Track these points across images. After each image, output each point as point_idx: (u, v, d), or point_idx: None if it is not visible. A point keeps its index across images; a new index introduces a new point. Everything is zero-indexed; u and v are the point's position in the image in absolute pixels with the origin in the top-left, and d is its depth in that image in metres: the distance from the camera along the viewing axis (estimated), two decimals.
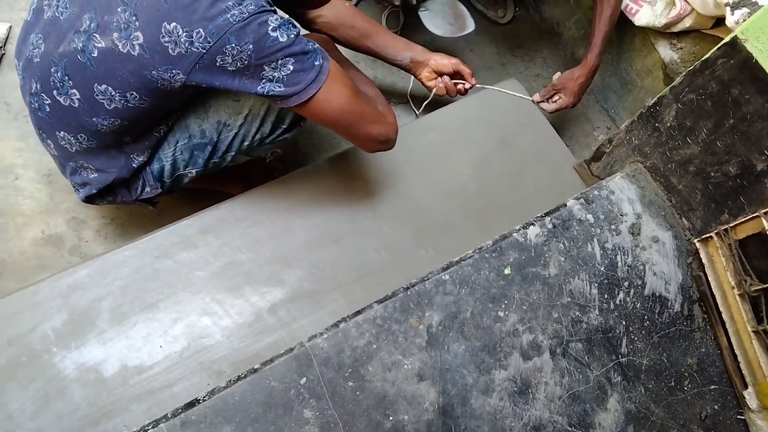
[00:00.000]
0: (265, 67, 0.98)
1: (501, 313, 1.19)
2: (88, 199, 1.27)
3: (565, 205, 1.33)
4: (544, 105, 1.73)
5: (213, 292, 1.27)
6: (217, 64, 0.97)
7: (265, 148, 1.32)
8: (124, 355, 1.18)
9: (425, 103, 1.75)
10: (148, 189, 1.27)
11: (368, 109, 1.15)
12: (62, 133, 1.12)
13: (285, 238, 1.35)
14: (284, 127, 1.25)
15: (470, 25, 1.61)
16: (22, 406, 1.11)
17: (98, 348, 1.18)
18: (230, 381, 1.04)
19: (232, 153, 1.26)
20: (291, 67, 1.00)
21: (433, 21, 1.57)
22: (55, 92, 1.05)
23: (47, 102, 1.08)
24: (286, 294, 1.30)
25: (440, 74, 1.60)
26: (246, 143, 1.25)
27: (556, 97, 1.73)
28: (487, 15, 2.17)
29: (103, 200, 1.29)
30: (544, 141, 1.68)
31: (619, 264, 1.30)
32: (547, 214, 1.31)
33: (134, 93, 1.01)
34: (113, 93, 1.01)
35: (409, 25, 2.02)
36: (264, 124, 1.23)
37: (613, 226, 1.33)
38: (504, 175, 1.58)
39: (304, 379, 1.05)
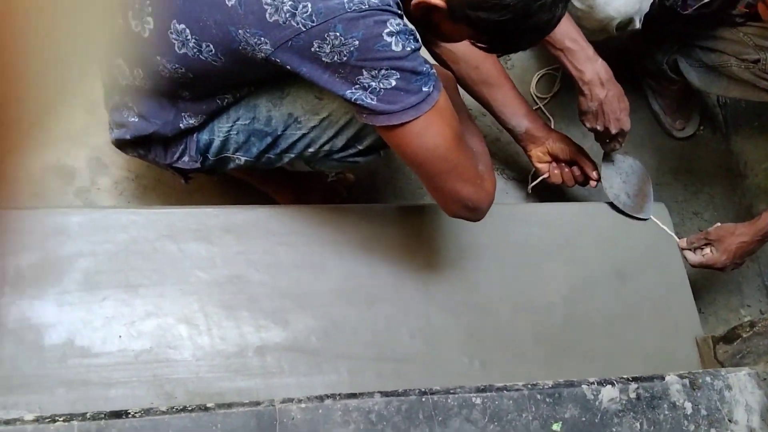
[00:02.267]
0: (364, 72, 1.00)
1: None
2: (119, 144, 1.33)
3: (663, 378, 1.27)
4: (688, 254, 1.68)
5: (205, 301, 1.27)
6: (312, 49, 0.99)
7: (330, 165, 1.34)
8: (76, 329, 1.20)
9: (534, 183, 1.76)
10: (186, 158, 1.31)
11: (466, 163, 1.15)
12: (119, 60, 1.19)
13: (312, 274, 1.35)
14: (360, 148, 1.27)
15: (647, 213, 1.69)
16: None
17: (53, 307, 1.20)
18: (172, 409, 1.03)
19: (291, 155, 1.29)
20: (393, 82, 1.01)
21: (612, 180, 1.65)
22: (130, 13, 1.13)
23: (117, 21, 1.15)
24: (285, 339, 1.29)
25: (555, 158, 1.60)
26: (311, 150, 1.28)
27: (706, 250, 1.67)
28: (663, 121, 2.15)
29: (135, 151, 1.34)
30: (672, 293, 1.62)
31: None
32: (635, 379, 1.25)
33: (210, 46, 1.06)
34: (189, 37, 1.07)
35: (561, 96, 2.04)
36: (339, 135, 1.25)
37: (713, 430, 1.25)
38: (604, 313, 1.53)
39: None
